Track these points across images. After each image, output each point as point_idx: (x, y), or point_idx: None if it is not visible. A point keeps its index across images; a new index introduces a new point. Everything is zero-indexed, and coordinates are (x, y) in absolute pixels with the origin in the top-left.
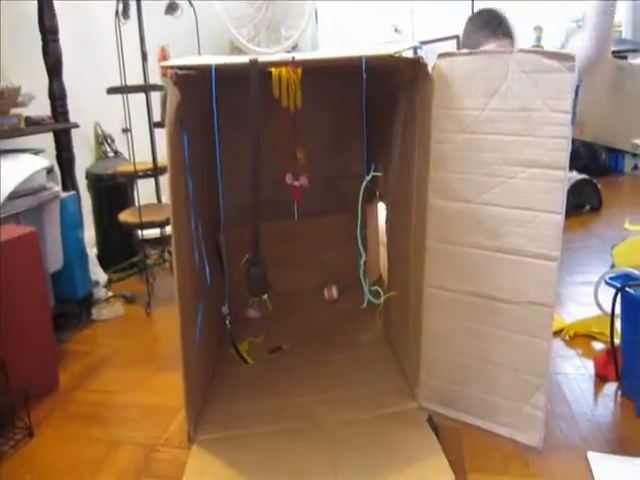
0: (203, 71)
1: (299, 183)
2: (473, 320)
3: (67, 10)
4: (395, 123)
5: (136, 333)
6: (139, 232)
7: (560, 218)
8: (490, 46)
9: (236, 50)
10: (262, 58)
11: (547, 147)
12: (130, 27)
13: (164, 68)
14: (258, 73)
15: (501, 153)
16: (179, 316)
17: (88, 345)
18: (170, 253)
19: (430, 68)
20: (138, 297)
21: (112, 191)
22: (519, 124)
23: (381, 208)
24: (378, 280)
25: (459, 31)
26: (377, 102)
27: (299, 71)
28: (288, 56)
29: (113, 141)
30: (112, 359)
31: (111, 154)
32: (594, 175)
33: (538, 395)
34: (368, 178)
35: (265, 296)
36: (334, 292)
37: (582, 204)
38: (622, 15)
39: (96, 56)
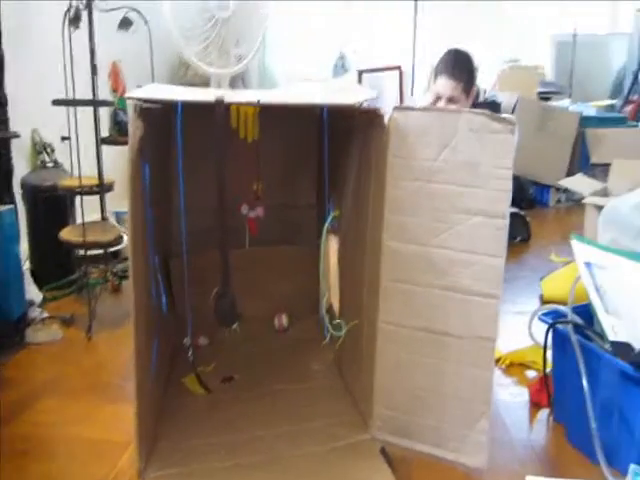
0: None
1: (255, 214)
2: (426, 355)
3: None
4: (349, 160)
5: (77, 359)
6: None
7: (501, 261)
8: (437, 82)
9: (184, 65)
10: (228, 97)
11: (491, 198)
12: (77, 36)
13: (115, 84)
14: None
15: (450, 201)
16: (135, 350)
17: (23, 371)
18: (113, 274)
19: (386, 119)
20: (77, 319)
21: (50, 204)
22: (467, 176)
23: (333, 241)
24: (329, 310)
25: (401, 62)
26: (331, 139)
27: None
28: (254, 98)
29: (53, 151)
30: (52, 387)
31: (50, 164)
32: (523, 208)
33: (483, 421)
34: (329, 219)
35: (235, 325)
36: (284, 321)
37: (513, 236)
38: (546, 59)
39: (37, 61)
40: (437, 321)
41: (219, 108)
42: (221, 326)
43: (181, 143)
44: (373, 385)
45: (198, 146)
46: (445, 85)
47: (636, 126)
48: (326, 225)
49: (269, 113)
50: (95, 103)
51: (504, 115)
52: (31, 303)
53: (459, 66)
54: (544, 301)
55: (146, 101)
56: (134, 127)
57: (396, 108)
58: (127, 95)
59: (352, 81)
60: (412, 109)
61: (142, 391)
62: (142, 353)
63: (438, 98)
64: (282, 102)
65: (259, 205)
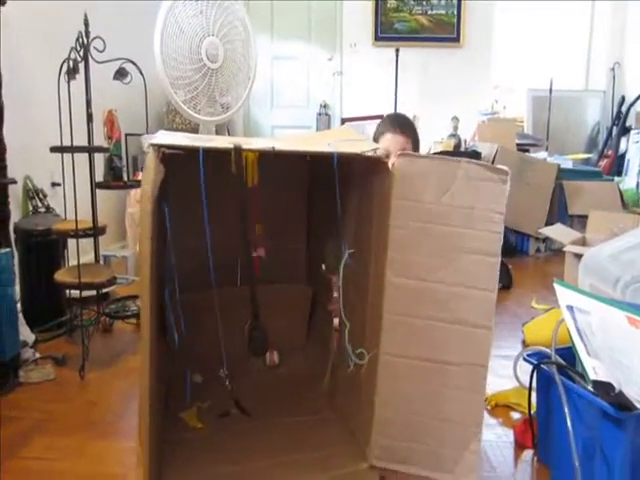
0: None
1: (257, 254)
2: (426, 383)
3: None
4: (348, 203)
5: (70, 397)
6: (69, 291)
7: (493, 295)
8: (385, 136)
9: (172, 112)
10: (245, 145)
11: (485, 239)
12: (73, 85)
13: (111, 132)
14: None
15: (449, 241)
16: (147, 389)
17: (18, 410)
18: (106, 314)
19: (390, 164)
20: (69, 359)
21: (42, 247)
22: (464, 218)
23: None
24: (339, 340)
25: (384, 111)
26: (327, 184)
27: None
28: (269, 145)
29: (45, 196)
30: (46, 425)
31: (42, 209)
32: (504, 255)
33: (475, 442)
34: (346, 256)
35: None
36: (275, 357)
37: None
38: (524, 112)
39: (30, 110)
40: (437, 351)
41: (237, 155)
42: (254, 356)
43: (205, 186)
44: (374, 416)
45: (194, 189)
46: (396, 141)
47: (611, 180)
48: (343, 262)
49: (263, 160)
50: (91, 149)
51: (499, 166)
52: (24, 344)
53: (406, 125)
54: (526, 345)
55: (170, 148)
56: (156, 171)
57: (401, 154)
58: (152, 142)
59: (349, 130)
60: (416, 156)
61: (149, 424)
62: (152, 388)
63: (388, 154)
64: (296, 150)
65: (260, 245)
